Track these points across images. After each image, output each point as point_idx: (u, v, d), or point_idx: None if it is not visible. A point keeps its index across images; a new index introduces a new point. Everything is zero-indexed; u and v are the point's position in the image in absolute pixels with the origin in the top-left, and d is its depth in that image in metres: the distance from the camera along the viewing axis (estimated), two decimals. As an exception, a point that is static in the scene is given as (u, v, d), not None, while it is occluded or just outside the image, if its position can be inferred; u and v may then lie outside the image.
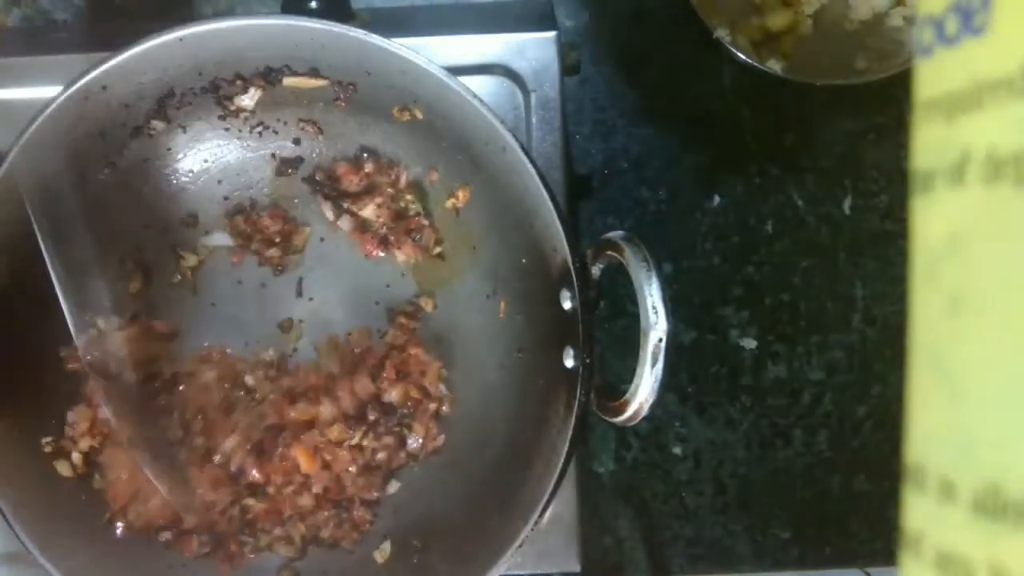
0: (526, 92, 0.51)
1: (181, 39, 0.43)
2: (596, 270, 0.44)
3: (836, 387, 0.66)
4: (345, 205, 0.52)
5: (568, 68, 0.52)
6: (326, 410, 0.50)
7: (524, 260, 0.49)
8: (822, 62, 0.62)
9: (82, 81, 0.42)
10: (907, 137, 0.66)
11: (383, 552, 0.50)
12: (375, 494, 0.51)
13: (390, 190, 0.51)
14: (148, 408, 0.51)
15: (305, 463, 0.50)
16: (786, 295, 0.66)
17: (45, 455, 0.48)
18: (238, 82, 0.47)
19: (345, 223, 0.52)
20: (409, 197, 0.51)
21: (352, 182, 0.51)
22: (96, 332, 0.49)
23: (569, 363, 0.44)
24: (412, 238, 0.52)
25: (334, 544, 0.51)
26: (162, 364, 0.52)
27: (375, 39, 0.43)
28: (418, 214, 0.51)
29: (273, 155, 0.52)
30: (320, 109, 0.50)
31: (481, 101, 0.43)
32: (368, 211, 0.51)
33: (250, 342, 0.52)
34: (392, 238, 0.52)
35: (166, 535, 0.50)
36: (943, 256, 0.14)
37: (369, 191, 0.51)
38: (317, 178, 0.52)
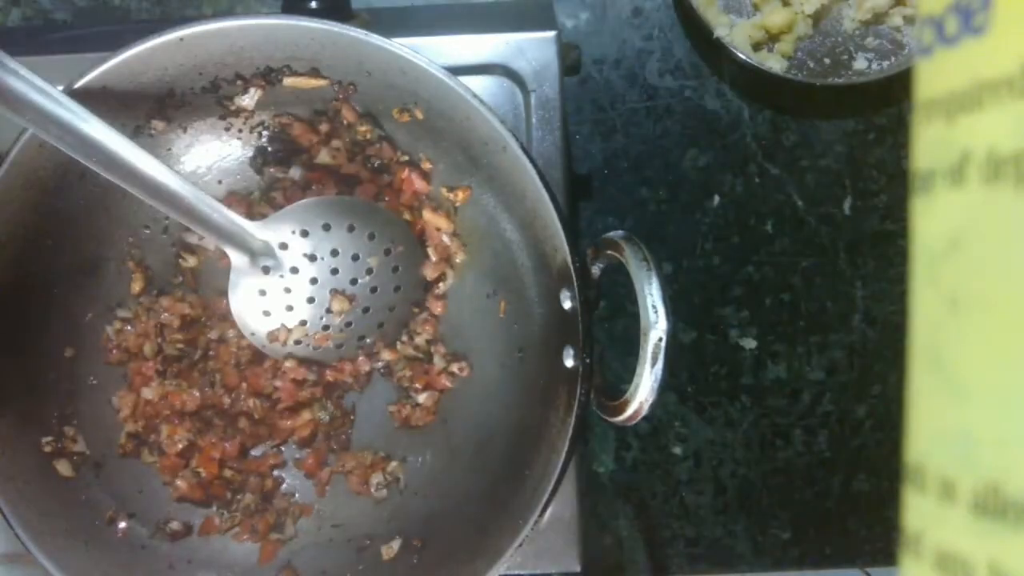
0: (526, 92, 0.51)
1: (181, 39, 0.43)
2: (596, 270, 0.44)
3: (836, 387, 0.66)
4: (303, 158, 0.52)
5: (568, 68, 0.52)
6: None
7: (524, 260, 0.49)
8: (822, 62, 0.62)
9: (82, 81, 0.42)
10: (907, 137, 0.66)
11: (391, 549, 0.51)
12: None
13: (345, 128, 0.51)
14: (190, 378, 0.53)
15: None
16: (786, 295, 0.66)
17: (45, 455, 0.48)
18: (238, 82, 0.47)
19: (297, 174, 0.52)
20: (364, 127, 0.50)
21: (309, 140, 0.51)
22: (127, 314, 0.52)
23: (569, 363, 0.44)
24: (371, 165, 0.51)
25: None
26: (195, 333, 0.53)
27: (375, 39, 0.43)
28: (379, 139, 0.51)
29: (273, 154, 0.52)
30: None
31: (481, 101, 0.43)
32: (324, 155, 0.51)
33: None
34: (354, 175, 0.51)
35: (177, 524, 0.51)
36: (943, 256, 0.14)
37: (324, 141, 0.51)
38: (270, 149, 0.52)
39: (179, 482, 0.52)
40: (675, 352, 0.65)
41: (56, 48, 0.53)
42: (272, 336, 0.50)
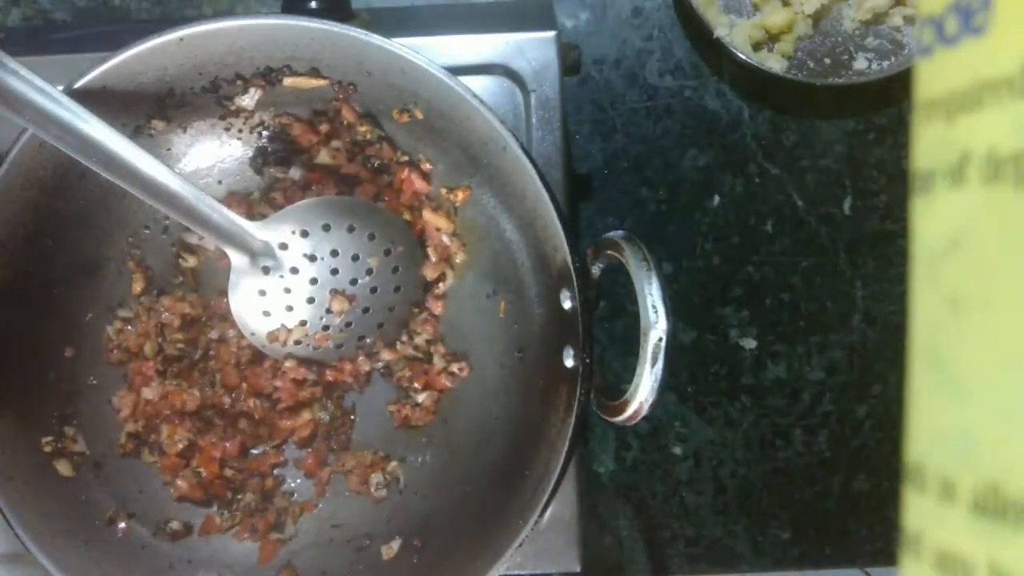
0: (526, 92, 0.51)
1: (181, 39, 0.43)
2: (596, 270, 0.44)
3: (836, 387, 0.66)
4: (303, 158, 0.51)
5: (568, 68, 0.52)
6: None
7: (524, 260, 0.49)
8: (822, 62, 0.62)
9: (82, 81, 0.42)
10: (907, 137, 0.66)
11: (391, 549, 0.51)
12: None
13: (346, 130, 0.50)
14: (190, 378, 0.53)
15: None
16: (786, 295, 0.66)
17: (45, 455, 0.48)
18: (238, 82, 0.47)
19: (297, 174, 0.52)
20: (364, 128, 0.50)
21: (309, 140, 0.51)
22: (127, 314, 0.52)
23: (569, 363, 0.44)
24: (370, 165, 0.51)
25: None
26: (196, 333, 0.53)
27: (375, 39, 0.43)
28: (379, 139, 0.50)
29: (272, 154, 0.52)
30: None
31: (481, 101, 0.43)
32: (324, 156, 0.51)
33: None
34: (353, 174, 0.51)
35: (177, 524, 0.51)
36: (943, 256, 0.14)
37: (324, 141, 0.51)
38: (270, 149, 0.51)
39: (179, 482, 0.52)
40: (675, 352, 0.65)
41: (56, 48, 0.53)
42: (272, 336, 0.50)
